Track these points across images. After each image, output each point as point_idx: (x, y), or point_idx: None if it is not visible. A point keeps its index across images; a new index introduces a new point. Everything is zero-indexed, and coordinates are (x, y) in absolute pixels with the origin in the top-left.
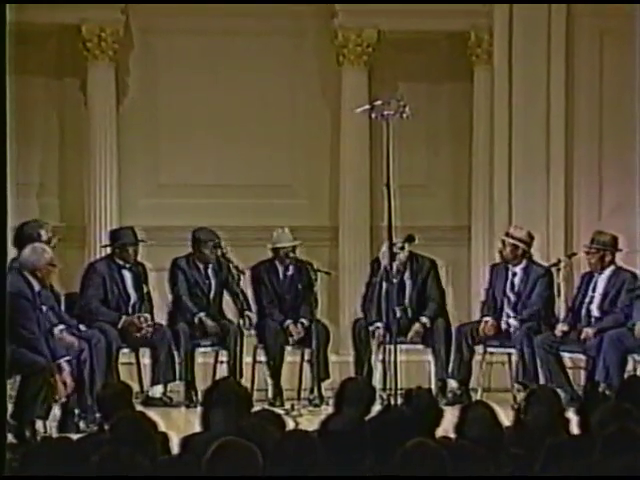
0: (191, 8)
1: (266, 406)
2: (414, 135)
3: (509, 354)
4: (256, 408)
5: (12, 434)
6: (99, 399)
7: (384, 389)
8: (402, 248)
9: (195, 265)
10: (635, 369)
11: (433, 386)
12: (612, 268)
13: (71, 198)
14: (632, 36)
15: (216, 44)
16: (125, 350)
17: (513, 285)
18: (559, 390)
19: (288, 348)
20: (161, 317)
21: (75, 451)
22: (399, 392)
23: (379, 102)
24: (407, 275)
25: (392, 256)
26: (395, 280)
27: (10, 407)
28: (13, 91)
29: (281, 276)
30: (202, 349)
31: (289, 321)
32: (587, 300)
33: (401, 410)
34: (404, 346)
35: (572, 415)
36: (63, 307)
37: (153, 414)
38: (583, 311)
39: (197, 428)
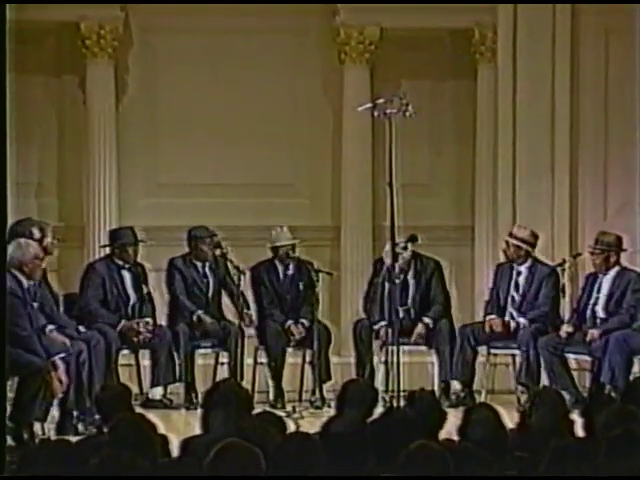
0: (191, 6)
1: (267, 408)
2: (417, 134)
3: (513, 355)
4: (257, 410)
5: (10, 436)
6: (98, 401)
7: (386, 391)
8: (405, 248)
9: (192, 264)
10: None
11: (436, 388)
12: (617, 269)
13: (70, 198)
14: (634, 35)
15: (216, 42)
16: (125, 351)
17: (517, 285)
18: (564, 392)
19: (289, 349)
20: (162, 318)
21: (73, 454)
22: (402, 394)
23: (381, 100)
24: (411, 275)
25: (395, 256)
26: (398, 280)
27: (7, 409)
28: (11, 89)
29: (281, 276)
30: (202, 350)
31: (290, 322)
32: (592, 301)
33: (404, 412)
34: (407, 347)
35: (577, 417)
36: (62, 308)
37: (153, 416)
38: (588, 312)
39: (197, 430)
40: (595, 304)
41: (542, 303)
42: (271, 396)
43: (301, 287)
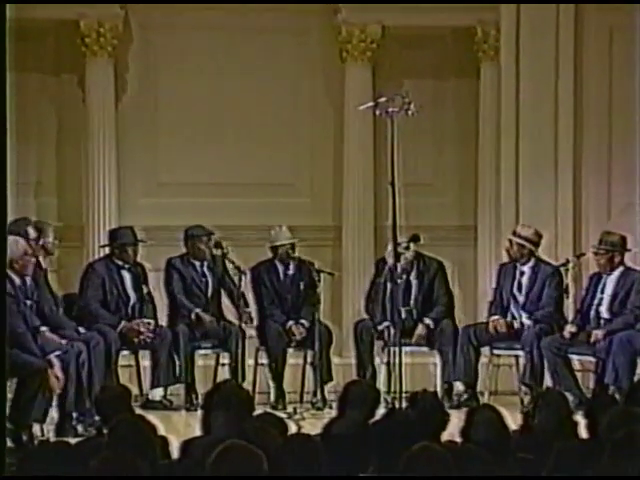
0: (192, 3)
1: (268, 409)
2: (419, 133)
3: (516, 356)
4: (258, 411)
5: (9, 438)
6: (98, 402)
7: (388, 392)
8: (407, 248)
9: (190, 263)
10: None
11: (439, 389)
12: (621, 269)
13: (69, 197)
14: (635, 33)
15: (217, 40)
16: (125, 352)
17: (520, 285)
18: (567, 393)
19: (290, 350)
20: (163, 319)
21: (73, 455)
22: (404, 395)
23: (383, 99)
24: (413, 276)
25: (397, 256)
26: (400, 281)
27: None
28: (10, 88)
29: (281, 276)
30: (203, 351)
31: (291, 322)
32: (596, 301)
33: (406, 413)
34: (409, 348)
35: (580, 419)
36: (61, 308)
37: (153, 417)
38: (592, 313)
39: (197, 432)
40: (599, 304)
41: (545, 303)
42: (272, 397)
43: (301, 287)
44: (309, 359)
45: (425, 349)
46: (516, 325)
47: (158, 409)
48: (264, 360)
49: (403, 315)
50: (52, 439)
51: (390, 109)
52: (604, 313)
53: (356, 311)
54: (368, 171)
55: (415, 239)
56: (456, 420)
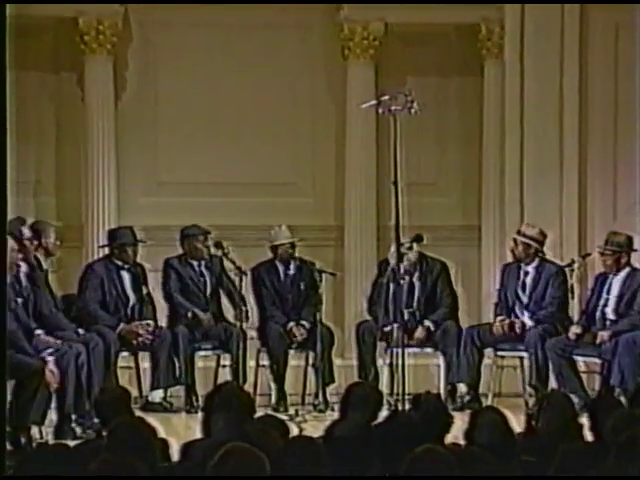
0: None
1: (269, 411)
2: (422, 131)
3: (520, 358)
4: (259, 413)
5: (7, 440)
6: (97, 404)
7: (391, 394)
8: (410, 248)
9: (188, 263)
10: None
11: (442, 391)
12: (628, 269)
13: (68, 197)
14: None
15: (218, 38)
16: (124, 354)
17: (525, 285)
18: (572, 395)
19: (292, 352)
20: (162, 319)
21: (72, 458)
22: (407, 397)
23: (386, 97)
24: (416, 277)
25: (399, 256)
26: (403, 281)
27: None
28: (9, 86)
29: (282, 276)
30: (203, 352)
31: (292, 323)
32: (602, 302)
33: (409, 415)
34: (412, 350)
35: (585, 421)
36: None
37: (152, 420)
38: (598, 313)
39: (198, 434)
40: (605, 305)
41: (550, 303)
42: (273, 399)
43: (302, 287)
44: (311, 361)
45: (428, 350)
46: (518, 326)
47: (158, 411)
48: (265, 362)
49: (406, 316)
50: (51, 441)
51: (393, 107)
52: (610, 314)
53: (358, 312)
54: (370, 170)
55: (418, 239)
56: (460, 422)
